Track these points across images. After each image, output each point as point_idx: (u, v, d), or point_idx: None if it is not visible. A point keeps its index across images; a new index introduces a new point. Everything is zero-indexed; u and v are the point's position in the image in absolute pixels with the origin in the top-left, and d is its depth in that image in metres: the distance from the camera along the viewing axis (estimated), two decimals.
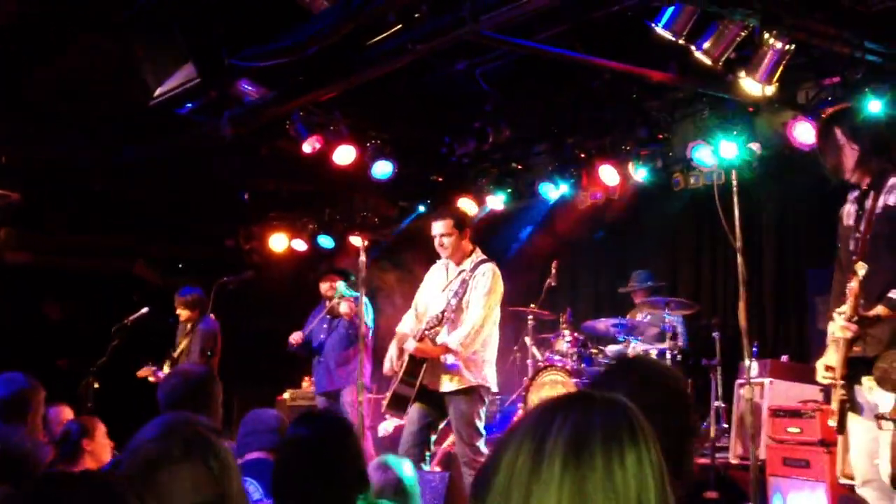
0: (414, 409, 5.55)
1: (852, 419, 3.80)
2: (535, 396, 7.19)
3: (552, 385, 7.14)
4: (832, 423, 3.84)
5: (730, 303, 7.97)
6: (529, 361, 7.85)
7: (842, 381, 3.75)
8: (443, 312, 5.43)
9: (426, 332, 5.50)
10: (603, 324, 7.72)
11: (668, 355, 7.11)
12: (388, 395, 5.66)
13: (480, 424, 5.53)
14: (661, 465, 1.25)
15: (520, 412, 7.64)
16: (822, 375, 3.87)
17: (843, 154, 3.90)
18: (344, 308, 7.44)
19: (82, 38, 6.15)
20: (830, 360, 3.83)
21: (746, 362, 4.50)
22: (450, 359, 5.47)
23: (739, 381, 6.41)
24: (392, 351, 5.73)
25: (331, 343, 7.71)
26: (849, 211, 3.98)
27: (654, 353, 7.35)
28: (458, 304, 5.51)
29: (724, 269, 8.25)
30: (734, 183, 4.44)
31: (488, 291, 5.51)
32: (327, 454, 2.68)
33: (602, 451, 1.20)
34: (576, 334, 7.73)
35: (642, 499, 1.20)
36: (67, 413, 4.80)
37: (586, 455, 1.19)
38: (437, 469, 6.10)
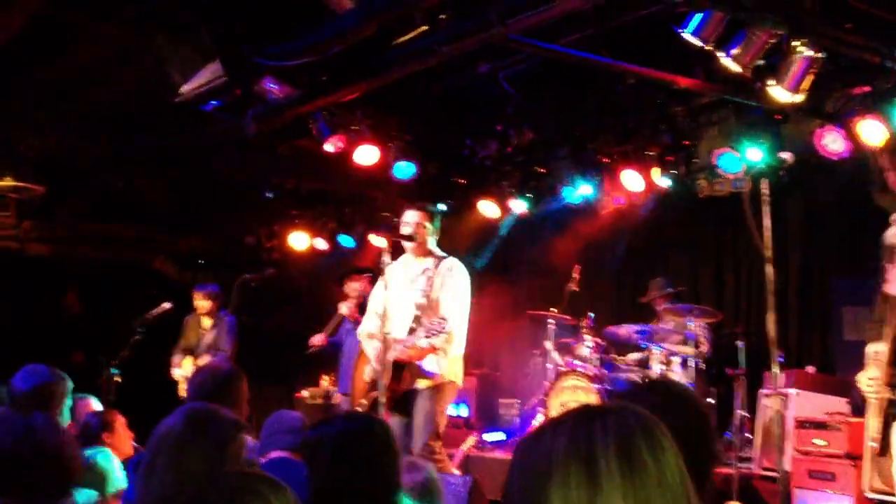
0: (392, 416, 5.53)
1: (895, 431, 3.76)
2: (556, 401, 7.16)
3: (573, 390, 7.11)
4: (874, 444, 3.80)
5: (753, 311, 7.90)
6: (550, 366, 7.81)
7: (888, 389, 3.72)
8: (441, 320, 5.33)
9: (415, 341, 5.45)
10: (625, 330, 7.67)
11: (692, 363, 7.06)
12: (366, 402, 5.63)
13: (442, 423, 5.56)
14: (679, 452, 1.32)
15: (540, 416, 7.60)
16: (865, 385, 3.85)
17: None
18: (344, 309, 7.46)
19: (95, 29, 6.15)
20: (873, 373, 3.80)
21: (774, 371, 4.44)
22: (427, 364, 5.48)
23: (764, 390, 6.34)
24: (371, 355, 5.71)
25: (351, 344, 7.69)
26: (893, 232, 3.96)
27: (677, 360, 7.30)
28: (427, 303, 5.51)
29: (748, 278, 8.19)
30: (765, 191, 4.38)
31: (463, 288, 5.56)
32: (348, 455, 2.65)
33: (648, 452, 1.26)
34: (597, 340, 7.70)
35: (685, 486, 1.27)
36: (95, 405, 4.79)
37: (637, 460, 1.25)
38: (457, 472, 6.06)
